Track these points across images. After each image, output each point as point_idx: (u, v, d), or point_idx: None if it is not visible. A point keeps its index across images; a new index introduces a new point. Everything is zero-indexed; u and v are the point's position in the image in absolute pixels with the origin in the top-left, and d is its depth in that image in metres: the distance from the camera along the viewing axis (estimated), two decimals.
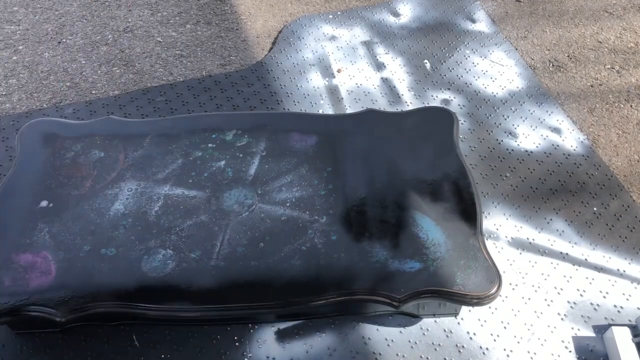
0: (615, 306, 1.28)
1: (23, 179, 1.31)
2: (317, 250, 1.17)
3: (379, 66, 1.92)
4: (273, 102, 1.78)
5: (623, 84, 1.89)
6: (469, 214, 1.23)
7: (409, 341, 1.21)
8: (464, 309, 1.25)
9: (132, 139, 1.42)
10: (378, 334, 1.22)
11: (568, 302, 1.29)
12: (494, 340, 1.22)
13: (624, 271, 1.35)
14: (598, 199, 1.51)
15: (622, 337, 1.17)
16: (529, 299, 1.29)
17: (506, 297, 1.29)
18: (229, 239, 1.19)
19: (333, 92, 1.82)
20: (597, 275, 1.34)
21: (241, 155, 1.37)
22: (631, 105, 1.81)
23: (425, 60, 1.95)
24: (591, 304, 1.29)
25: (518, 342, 1.22)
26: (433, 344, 1.21)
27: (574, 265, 1.36)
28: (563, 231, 1.43)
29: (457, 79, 1.88)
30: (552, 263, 1.36)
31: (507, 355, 1.19)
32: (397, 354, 1.19)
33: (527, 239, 1.41)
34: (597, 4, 2.25)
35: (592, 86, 1.88)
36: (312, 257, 1.16)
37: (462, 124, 1.70)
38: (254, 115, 1.61)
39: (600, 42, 2.06)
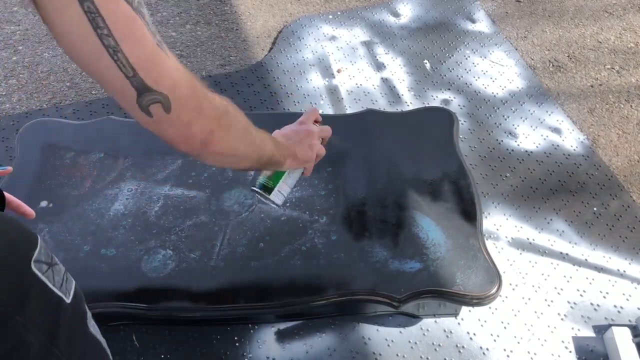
0: (615, 306, 1.28)
1: (23, 179, 1.31)
2: (317, 250, 1.17)
3: (379, 66, 1.92)
4: (273, 102, 1.78)
5: (623, 84, 1.89)
6: (469, 214, 1.23)
7: (409, 341, 1.21)
8: (464, 309, 1.25)
9: (132, 139, 1.42)
10: (378, 334, 1.22)
11: (568, 302, 1.29)
12: (494, 340, 1.22)
13: (624, 271, 1.35)
14: (598, 199, 1.51)
15: (622, 337, 1.17)
16: (529, 299, 1.29)
17: (506, 297, 1.29)
18: (228, 239, 1.19)
19: (333, 92, 1.82)
20: (597, 275, 1.34)
21: None
22: (631, 105, 1.81)
23: (425, 61, 1.95)
24: (591, 304, 1.29)
25: (518, 342, 1.21)
26: (433, 344, 1.20)
27: (574, 265, 1.36)
28: (563, 231, 1.43)
29: (457, 79, 1.88)
30: (552, 263, 1.36)
31: (507, 356, 1.19)
32: (397, 354, 1.19)
33: (527, 239, 1.41)
34: (597, 4, 2.25)
35: (592, 86, 1.88)
36: (312, 257, 1.16)
37: (462, 124, 1.70)
38: (254, 116, 1.60)
39: (600, 42, 2.06)
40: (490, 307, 1.26)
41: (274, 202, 1.00)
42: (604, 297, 1.30)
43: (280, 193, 1.00)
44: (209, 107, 0.64)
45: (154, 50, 0.54)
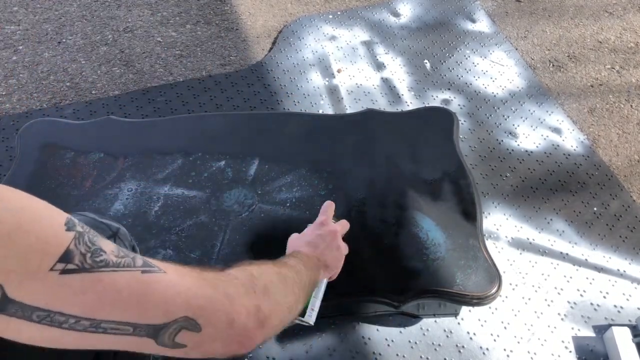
0: (615, 306, 1.28)
1: (23, 179, 1.31)
2: None
3: (379, 66, 1.92)
4: (273, 102, 1.78)
5: (623, 84, 1.89)
6: (469, 214, 1.23)
7: (409, 341, 1.21)
8: (464, 309, 1.25)
9: (132, 139, 1.42)
10: (378, 334, 1.22)
11: (568, 302, 1.29)
12: (494, 340, 1.22)
13: (624, 271, 1.35)
14: (598, 199, 1.51)
15: (622, 337, 1.17)
16: (529, 299, 1.29)
17: (506, 297, 1.29)
18: (229, 239, 1.19)
19: (333, 92, 1.82)
20: (597, 275, 1.34)
21: (241, 155, 1.37)
22: (631, 105, 1.81)
23: (425, 60, 1.95)
24: (591, 304, 1.29)
25: (518, 342, 1.21)
26: (433, 344, 1.20)
27: (574, 265, 1.36)
28: (563, 231, 1.43)
29: (457, 79, 1.88)
30: (552, 263, 1.36)
31: (507, 356, 1.19)
32: (397, 354, 1.19)
33: (527, 239, 1.41)
34: (597, 4, 2.25)
35: (592, 86, 1.88)
36: None
37: (462, 124, 1.70)
38: (254, 115, 1.61)
39: (600, 42, 2.06)
40: (490, 307, 1.26)
41: (307, 323, 0.90)
42: (604, 297, 1.30)
43: (314, 311, 0.91)
44: (235, 289, 0.55)
45: (140, 287, 0.47)
